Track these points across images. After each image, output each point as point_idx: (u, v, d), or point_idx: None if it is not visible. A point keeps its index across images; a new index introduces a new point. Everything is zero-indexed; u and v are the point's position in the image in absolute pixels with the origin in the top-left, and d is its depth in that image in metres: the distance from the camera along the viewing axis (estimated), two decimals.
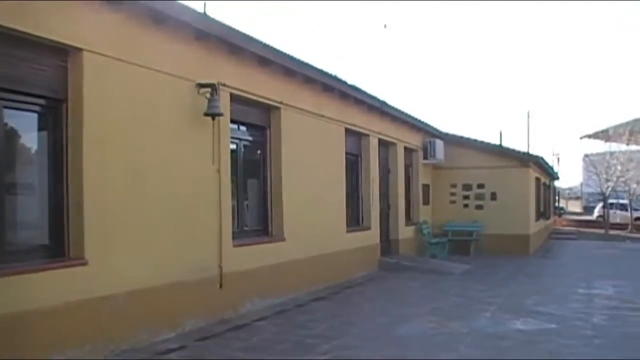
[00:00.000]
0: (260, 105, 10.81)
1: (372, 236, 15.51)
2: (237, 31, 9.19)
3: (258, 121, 11.04)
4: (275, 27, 71.42)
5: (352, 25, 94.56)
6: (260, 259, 10.26)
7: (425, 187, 20.62)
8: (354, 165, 15.17)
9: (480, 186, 20.96)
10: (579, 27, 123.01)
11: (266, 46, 9.99)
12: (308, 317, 9.71)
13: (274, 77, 10.79)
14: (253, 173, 11.12)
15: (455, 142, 21.19)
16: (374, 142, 15.85)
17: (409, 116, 17.79)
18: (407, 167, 19.25)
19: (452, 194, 21.33)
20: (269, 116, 11.18)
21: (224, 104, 9.12)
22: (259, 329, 8.77)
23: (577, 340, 8.40)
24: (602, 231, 33.34)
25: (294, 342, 8.05)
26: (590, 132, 39.34)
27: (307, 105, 12.07)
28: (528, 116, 44.76)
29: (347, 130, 14.15)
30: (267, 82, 10.62)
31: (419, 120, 18.78)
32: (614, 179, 34.01)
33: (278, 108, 11.14)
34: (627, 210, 38.38)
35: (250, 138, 10.99)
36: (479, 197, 20.97)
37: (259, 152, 11.25)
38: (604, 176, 34.31)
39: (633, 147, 37.05)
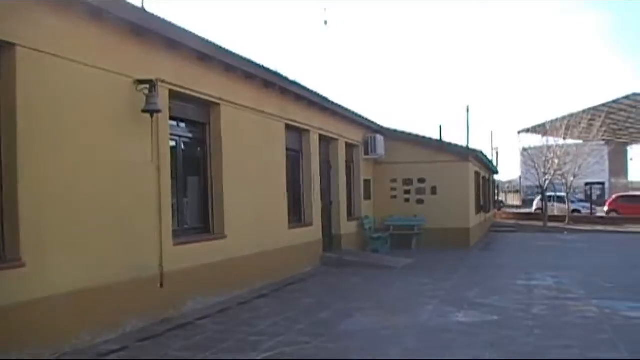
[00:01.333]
0: (199, 102, 10.79)
1: (314, 232, 15.64)
2: (176, 26, 9.16)
3: (198, 118, 11.04)
4: (216, 23, 70.84)
5: (293, 22, 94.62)
6: (202, 257, 10.25)
7: (367, 183, 20.87)
8: (295, 162, 15.25)
9: (421, 181, 21.30)
10: (515, 25, 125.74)
11: (205, 42, 9.98)
12: (251, 315, 9.75)
13: (213, 73, 10.80)
14: (193, 170, 11.10)
15: (395, 137, 21.49)
16: (314, 138, 15.96)
17: (350, 112, 17.97)
18: (349, 163, 19.43)
19: (393, 189, 21.61)
20: (208, 113, 11.17)
21: (162, 100, 9.08)
22: (202, 328, 8.78)
23: (518, 331, 8.67)
24: (540, 223, 34.07)
25: (237, 340, 8.09)
26: (528, 126, 40.25)
27: (247, 102, 12.09)
28: (467, 111, 45.40)
29: (288, 126, 14.21)
30: (207, 78, 10.62)
31: (360, 116, 18.98)
32: (552, 172, 34.81)
33: (218, 104, 11.13)
34: (564, 202, 39.41)
35: (190, 135, 10.97)
36: (420, 191, 21.32)
37: (199, 149, 11.24)
38: (542, 169, 35.07)
39: (570, 141, 38.11)
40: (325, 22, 30.74)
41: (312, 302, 11.02)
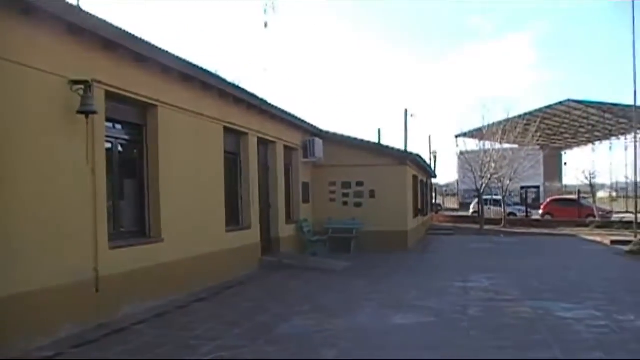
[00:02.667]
0: (136, 103, 10.72)
1: (252, 235, 15.66)
2: (112, 26, 9.10)
3: (135, 120, 10.96)
4: (154, 24, 69.90)
5: (233, 24, 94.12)
6: (138, 260, 10.20)
7: (305, 186, 20.98)
8: (233, 164, 15.25)
9: (360, 184, 21.57)
10: (451, 30, 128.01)
11: (142, 42, 9.94)
12: (189, 319, 9.75)
13: (150, 74, 10.76)
14: (130, 173, 11.02)
15: (334, 140, 21.68)
16: (253, 141, 15.99)
17: (289, 114, 18.07)
18: (287, 166, 19.51)
19: (332, 192, 21.81)
20: (145, 114, 11.10)
21: (98, 101, 9.01)
22: (138, 333, 8.74)
23: (454, 332, 8.95)
24: (477, 226, 34.76)
25: (175, 345, 8.10)
26: (466, 130, 41.02)
27: (185, 104, 12.08)
28: (406, 114, 46.01)
29: (226, 129, 14.22)
30: (144, 79, 10.58)
31: (299, 119, 19.10)
32: (488, 175, 35.56)
33: (155, 106, 11.09)
34: (500, 205, 40.31)
35: (126, 137, 10.88)
36: (358, 194, 21.58)
37: (135, 151, 11.16)
38: (479, 173, 35.78)
39: (506, 145, 38.98)
40: (265, 25, 30.65)
41: (251, 305, 11.05)
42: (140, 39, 9.85)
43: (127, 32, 9.47)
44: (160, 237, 11.08)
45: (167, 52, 10.72)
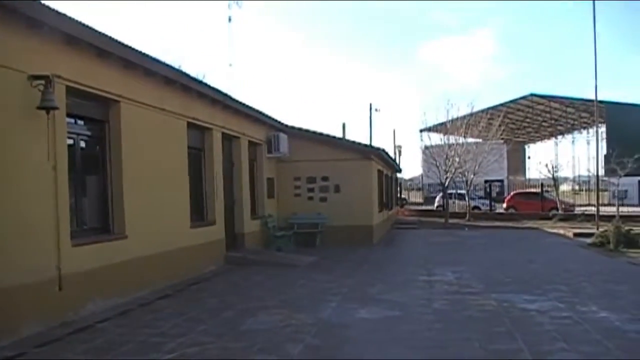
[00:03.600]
0: (99, 99, 10.65)
1: (217, 231, 15.67)
2: (73, 20, 9.02)
3: (97, 115, 10.89)
4: (117, 19, 69.11)
5: (197, 18, 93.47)
6: (102, 257, 10.17)
7: (270, 181, 21.01)
8: (197, 160, 15.23)
9: (325, 179, 21.69)
10: (415, 27, 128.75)
11: (104, 37, 9.88)
12: (153, 316, 9.73)
13: (113, 70, 10.69)
14: (92, 169, 10.94)
15: (299, 135, 21.75)
16: (217, 136, 15.98)
17: (253, 109, 18.07)
18: (252, 161, 19.54)
19: (297, 187, 21.90)
20: (108, 110, 11.04)
21: (59, 97, 8.96)
22: (103, 331, 8.70)
23: (419, 325, 9.06)
24: (442, 220, 35.14)
25: (139, 342, 8.07)
26: (430, 124, 41.31)
27: (148, 99, 12.04)
28: (370, 109, 46.26)
29: (190, 124, 14.19)
30: (106, 74, 10.51)
31: (263, 114, 19.10)
32: (453, 170, 35.89)
33: (117, 102, 11.03)
34: (465, 199, 40.75)
35: (88, 133, 10.79)
36: (323, 189, 21.71)
37: (98, 147, 11.08)
38: (443, 167, 36.05)
39: (470, 140, 39.37)
40: (230, 19, 30.50)
41: (216, 301, 11.05)
42: (102, 33, 9.79)
43: (89, 27, 9.40)
44: (124, 233, 11.04)
45: (129, 47, 10.67)
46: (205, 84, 14.53)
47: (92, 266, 9.78)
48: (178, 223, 13.39)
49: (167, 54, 37.44)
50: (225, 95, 15.64)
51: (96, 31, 9.62)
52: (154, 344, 7.96)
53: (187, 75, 13.48)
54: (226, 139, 16.91)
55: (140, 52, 11.10)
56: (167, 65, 12.36)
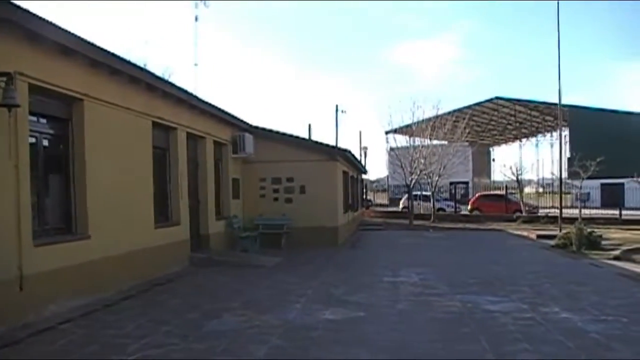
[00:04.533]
0: (62, 97, 10.58)
1: (181, 231, 15.64)
2: (37, 17, 8.96)
3: (60, 114, 10.81)
4: (82, 17, 68.30)
5: (163, 17, 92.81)
6: (64, 258, 10.11)
7: (235, 182, 21.02)
8: (162, 160, 15.18)
9: (290, 180, 21.75)
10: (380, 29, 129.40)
11: (69, 35, 9.82)
12: (116, 317, 9.69)
13: (77, 68, 10.64)
14: (55, 168, 10.85)
15: (265, 136, 21.78)
16: (182, 136, 15.94)
17: (219, 109, 18.07)
18: (217, 161, 19.52)
19: (262, 188, 21.92)
20: (71, 108, 10.97)
21: (21, 94, 8.88)
22: (65, 332, 8.65)
23: (384, 326, 9.19)
24: (407, 222, 35.32)
25: (102, 344, 8.05)
26: (396, 126, 41.56)
27: (112, 98, 11.98)
28: (337, 110, 46.40)
29: (155, 124, 14.15)
30: (70, 72, 10.46)
31: (229, 114, 19.10)
32: (418, 171, 36.07)
33: (81, 100, 10.96)
34: (430, 201, 41.04)
35: (52, 131, 10.71)
36: (289, 190, 21.77)
37: (61, 146, 11.00)
38: (409, 169, 36.25)
39: (435, 142, 39.68)
40: (196, 18, 30.45)
41: (180, 302, 11.05)
42: (67, 31, 9.72)
43: (53, 24, 9.34)
44: (86, 233, 10.98)
45: (94, 45, 10.62)
46: (171, 83, 14.51)
47: (55, 266, 9.72)
48: (142, 223, 13.35)
49: (131, 52, 37.11)
50: (191, 94, 15.63)
51: (60, 29, 9.56)
52: (117, 345, 7.95)
53: (153, 75, 13.45)
54: (191, 138, 16.87)
55: (106, 51, 11.04)
56: (132, 64, 12.32)
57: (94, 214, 11.14)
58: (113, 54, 11.35)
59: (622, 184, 45.18)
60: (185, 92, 15.28)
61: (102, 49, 10.88)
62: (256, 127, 21.74)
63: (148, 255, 13.16)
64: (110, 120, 11.99)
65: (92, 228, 11.05)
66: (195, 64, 34.17)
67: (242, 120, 20.55)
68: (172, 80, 14.16)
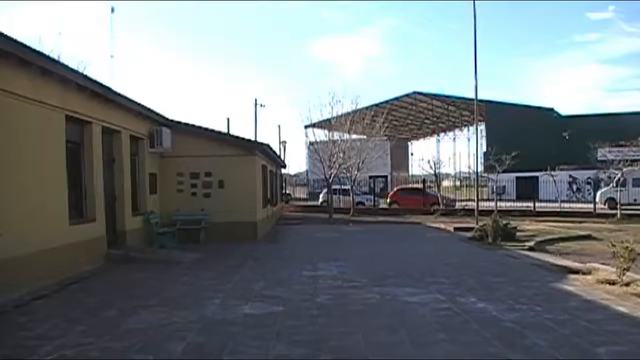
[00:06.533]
0: None
1: (97, 228, 15.38)
2: None
3: None
4: None
5: (78, 8, 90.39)
6: None
7: (152, 176, 20.78)
8: (76, 155, 14.85)
9: (208, 174, 21.71)
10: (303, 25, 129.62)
11: None
12: (29, 318, 9.47)
13: None
14: None
15: (182, 130, 21.63)
16: (97, 130, 15.65)
17: (135, 103, 17.82)
18: (133, 156, 19.23)
19: (180, 183, 21.78)
20: None
21: None
22: None
23: (303, 320, 9.31)
24: (326, 216, 35.63)
25: (13, 346, 7.87)
26: (315, 120, 41.77)
27: (22, 90, 11.66)
28: (256, 105, 46.28)
29: (69, 118, 13.84)
30: None
31: (146, 108, 18.86)
32: (337, 166, 36.49)
33: None
34: (349, 195, 41.47)
35: None
36: (207, 185, 21.72)
37: None
38: (328, 163, 36.63)
39: (354, 136, 40.11)
40: (112, 9, 29.96)
41: (96, 301, 10.89)
42: None
43: None
44: None
45: (3, 34, 10.30)
46: (85, 76, 14.22)
47: None
48: (56, 220, 13.07)
49: (43, 43, 36.05)
50: (106, 87, 15.34)
51: None
52: (29, 347, 7.76)
53: (66, 67, 13.16)
54: (107, 133, 16.57)
55: (14, 40, 10.69)
56: (44, 56, 12.02)
57: (4, 211, 10.83)
58: (22, 44, 11.00)
59: (537, 177, 46.73)
60: (101, 85, 14.99)
61: (9, 38, 10.52)
62: (174, 121, 21.54)
63: (62, 253, 12.90)
64: (21, 113, 11.67)
65: (3, 225, 10.71)
66: (112, 56, 33.45)
67: (159, 114, 20.32)
68: (87, 72, 13.85)
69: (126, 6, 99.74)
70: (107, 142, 16.90)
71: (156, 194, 21.07)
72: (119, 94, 16.34)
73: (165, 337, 8.26)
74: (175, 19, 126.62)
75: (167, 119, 21.05)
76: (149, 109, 19.18)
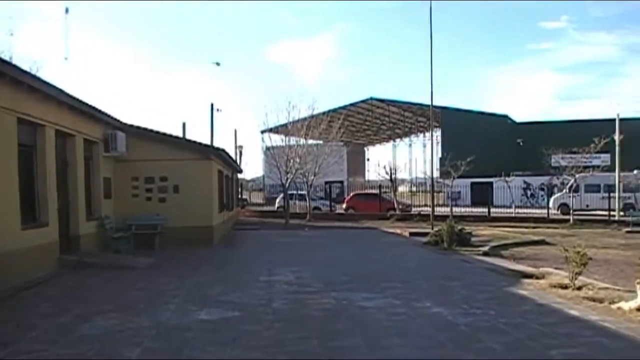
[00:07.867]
0: None
1: (50, 233, 15.17)
2: None
3: None
4: None
5: (31, 7, 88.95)
6: None
7: (107, 181, 20.57)
8: (28, 158, 14.62)
9: (163, 179, 21.62)
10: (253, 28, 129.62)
11: None
12: None
13: None
14: None
15: (138, 134, 21.49)
16: (50, 134, 15.46)
17: (89, 106, 17.63)
18: (87, 160, 19.04)
19: (135, 187, 21.64)
20: None
21: None
22: None
23: (259, 325, 9.34)
24: (283, 221, 35.65)
25: None
26: (271, 125, 41.80)
27: None
28: (212, 109, 45.97)
29: (21, 120, 13.63)
30: None
31: (100, 111, 18.67)
32: (293, 171, 36.62)
33: None
34: (305, 200, 41.60)
35: None
36: (162, 190, 21.64)
37: None
38: (284, 168, 36.72)
39: (311, 141, 40.28)
40: (67, 10, 29.54)
41: (49, 306, 10.75)
42: None
43: None
44: None
45: None
46: (38, 78, 14.03)
47: None
48: (7, 225, 12.84)
49: None
50: (60, 90, 15.16)
51: None
52: None
53: (18, 68, 12.97)
54: (60, 136, 16.38)
55: None
56: None
57: None
58: None
59: (491, 183, 47.40)
60: (54, 87, 14.79)
61: None
62: (129, 125, 21.37)
63: (14, 258, 12.69)
64: None
65: None
66: (66, 58, 32.95)
67: (114, 118, 20.14)
68: (40, 74, 13.67)
69: (81, 6, 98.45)
70: (61, 145, 16.70)
71: (111, 199, 20.85)
72: (72, 97, 16.14)
73: (120, 343, 8.21)
74: (132, 20, 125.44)
75: (122, 123, 20.87)
76: (103, 113, 18.98)
